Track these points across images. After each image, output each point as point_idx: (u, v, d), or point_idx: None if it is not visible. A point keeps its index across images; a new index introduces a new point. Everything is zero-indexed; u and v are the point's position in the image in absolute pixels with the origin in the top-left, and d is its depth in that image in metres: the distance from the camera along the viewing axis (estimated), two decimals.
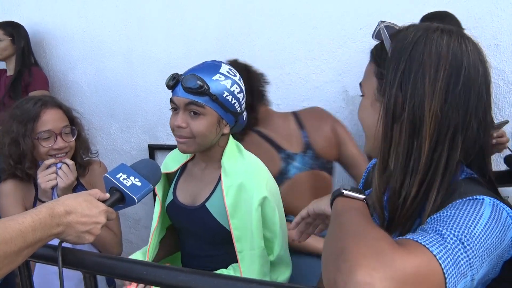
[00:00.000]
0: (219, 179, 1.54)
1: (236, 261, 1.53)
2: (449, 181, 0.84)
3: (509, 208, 0.79)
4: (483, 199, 0.78)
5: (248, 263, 1.50)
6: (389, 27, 0.93)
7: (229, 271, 1.54)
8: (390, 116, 0.86)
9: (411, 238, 0.71)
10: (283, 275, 1.60)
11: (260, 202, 1.48)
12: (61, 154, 1.78)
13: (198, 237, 1.60)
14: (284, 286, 0.82)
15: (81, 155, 1.91)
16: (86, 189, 1.87)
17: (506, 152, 2.17)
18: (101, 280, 1.91)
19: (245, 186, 1.49)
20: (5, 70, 3.30)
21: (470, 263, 0.69)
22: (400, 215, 0.88)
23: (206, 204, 1.54)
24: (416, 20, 2.32)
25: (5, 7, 3.45)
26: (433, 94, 0.82)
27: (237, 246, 1.50)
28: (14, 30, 3.19)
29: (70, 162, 1.76)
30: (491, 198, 0.79)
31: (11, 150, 1.74)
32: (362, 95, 0.99)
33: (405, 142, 0.85)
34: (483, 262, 0.71)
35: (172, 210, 1.64)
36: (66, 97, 3.40)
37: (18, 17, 3.40)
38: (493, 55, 2.41)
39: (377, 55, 0.94)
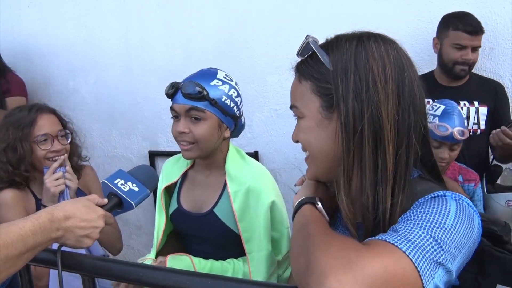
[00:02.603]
0: (225, 185, 1.58)
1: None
2: (409, 180, 0.85)
3: (467, 199, 0.82)
4: (445, 195, 0.81)
5: (256, 263, 1.54)
6: (317, 42, 0.91)
7: (239, 261, 1.58)
8: (350, 131, 0.83)
9: (380, 238, 0.73)
10: (288, 270, 1.65)
11: (269, 206, 1.53)
12: (58, 156, 1.82)
13: (204, 242, 1.63)
14: (274, 285, 0.84)
15: (74, 160, 1.95)
16: (84, 192, 1.92)
17: None
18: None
19: (253, 191, 1.54)
20: None
21: (443, 255, 0.70)
22: (384, 228, 0.84)
23: (214, 209, 1.58)
24: (417, 24, 2.35)
25: (6, 16, 3.49)
26: (387, 98, 0.82)
27: (247, 247, 1.54)
28: None
29: (67, 163, 1.82)
30: (452, 193, 0.81)
31: (8, 156, 1.77)
32: (298, 117, 0.94)
33: (369, 154, 0.83)
34: (458, 254, 0.73)
35: (178, 217, 1.66)
36: (67, 104, 3.42)
37: (19, 27, 3.44)
38: (488, 58, 2.44)
39: (314, 71, 0.89)
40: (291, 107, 0.96)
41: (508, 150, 2.09)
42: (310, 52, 0.90)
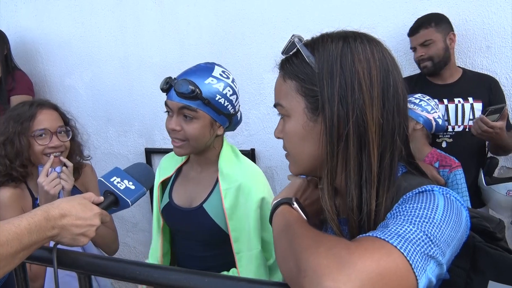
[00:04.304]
0: (216, 181, 1.57)
1: (231, 261, 1.56)
2: (394, 181, 0.86)
3: (453, 192, 0.82)
4: (432, 189, 0.81)
5: (245, 263, 1.52)
6: (302, 41, 0.90)
7: (229, 274, 1.56)
8: (334, 134, 0.83)
9: (370, 234, 0.73)
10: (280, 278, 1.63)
11: (259, 203, 1.51)
12: (56, 153, 1.81)
13: (193, 238, 1.62)
14: (271, 283, 0.84)
15: (75, 158, 1.94)
16: (80, 191, 1.91)
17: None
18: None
19: (243, 189, 1.52)
20: None
21: (434, 248, 0.71)
22: (370, 228, 0.84)
23: (204, 205, 1.57)
24: (413, 21, 2.36)
25: (2, 13, 3.47)
26: (372, 101, 0.82)
27: (235, 247, 1.52)
28: None
29: (70, 164, 1.80)
30: (438, 187, 0.82)
31: (6, 150, 1.76)
32: (284, 115, 0.93)
33: (354, 157, 0.83)
34: (448, 247, 0.74)
35: (168, 212, 1.66)
36: (63, 101, 3.41)
37: (15, 23, 3.43)
38: (485, 56, 2.45)
39: (299, 71, 0.89)
40: (275, 105, 0.95)
41: (492, 139, 2.12)
42: (295, 51, 0.90)
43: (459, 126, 2.33)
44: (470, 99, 2.33)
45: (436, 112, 2.21)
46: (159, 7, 3.03)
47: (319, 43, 0.88)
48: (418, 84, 2.41)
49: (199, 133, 1.48)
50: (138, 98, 3.22)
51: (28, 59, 3.43)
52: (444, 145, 2.35)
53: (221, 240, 1.55)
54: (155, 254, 1.72)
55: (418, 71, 2.47)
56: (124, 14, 3.13)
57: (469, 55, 2.46)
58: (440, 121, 2.21)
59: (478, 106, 2.32)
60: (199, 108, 1.45)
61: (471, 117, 2.32)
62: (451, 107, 2.34)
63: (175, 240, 1.72)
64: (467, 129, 2.32)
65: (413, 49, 2.37)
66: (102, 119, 3.38)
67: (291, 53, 0.91)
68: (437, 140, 2.36)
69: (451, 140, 2.35)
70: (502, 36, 2.38)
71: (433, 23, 2.29)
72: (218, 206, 1.54)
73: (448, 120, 2.34)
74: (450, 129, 2.35)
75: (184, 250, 1.67)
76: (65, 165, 1.81)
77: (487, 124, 2.02)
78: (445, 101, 2.35)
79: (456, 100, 2.34)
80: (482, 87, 2.34)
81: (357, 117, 0.82)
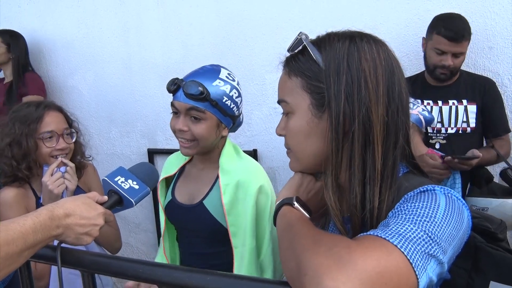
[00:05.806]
0: (217, 178, 1.59)
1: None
2: (396, 179, 0.87)
3: (454, 191, 0.83)
4: (434, 189, 0.82)
5: (239, 258, 1.54)
6: (308, 39, 0.91)
7: None
8: (340, 131, 0.84)
9: (371, 233, 0.73)
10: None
11: (257, 193, 1.53)
12: (62, 155, 1.82)
13: (196, 235, 1.64)
14: (272, 282, 0.85)
15: (78, 159, 1.95)
16: (84, 190, 1.92)
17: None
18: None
19: (242, 184, 1.54)
20: (2, 78, 3.34)
21: (435, 247, 0.71)
22: (372, 225, 0.85)
23: (204, 201, 1.59)
24: (416, 23, 2.36)
25: (6, 14, 3.49)
26: (377, 100, 0.83)
27: (233, 241, 1.55)
28: (12, 39, 3.21)
29: (72, 165, 1.81)
30: (440, 187, 0.82)
31: (13, 151, 1.77)
32: (288, 112, 0.94)
33: (359, 154, 0.84)
34: (449, 246, 0.74)
35: (171, 209, 1.69)
36: (66, 102, 3.43)
37: (18, 24, 3.44)
38: (487, 57, 2.45)
39: (305, 68, 0.89)
40: (279, 102, 0.96)
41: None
42: (301, 48, 0.91)
43: (452, 128, 2.34)
44: (464, 101, 2.33)
45: (419, 106, 2.21)
46: (162, 8, 3.04)
47: (325, 42, 0.89)
48: (416, 85, 2.41)
49: (206, 133, 1.50)
50: (140, 98, 3.23)
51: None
52: (437, 146, 2.35)
53: (221, 236, 1.57)
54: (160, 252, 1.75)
55: (418, 72, 2.47)
56: (127, 14, 3.15)
57: (471, 56, 2.46)
58: (426, 113, 2.20)
59: (472, 108, 2.32)
60: (207, 109, 1.48)
61: (464, 119, 2.33)
62: (445, 108, 2.35)
63: (180, 239, 1.75)
64: (460, 131, 2.33)
65: (440, 52, 2.22)
66: (105, 120, 3.39)
67: (297, 50, 0.92)
68: (430, 141, 2.36)
69: (444, 141, 2.35)
70: (505, 37, 2.39)
71: (469, 36, 2.21)
72: (218, 202, 1.56)
73: (441, 121, 2.35)
74: (443, 130, 2.35)
75: (188, 248, 1.69)
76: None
77: (456, 166, 2.09)
78: (440, 102, 2.36)
79: (450, 102, 2.35)
80: (477, 89, 2.33)
81: (363, 115, 0.83)
